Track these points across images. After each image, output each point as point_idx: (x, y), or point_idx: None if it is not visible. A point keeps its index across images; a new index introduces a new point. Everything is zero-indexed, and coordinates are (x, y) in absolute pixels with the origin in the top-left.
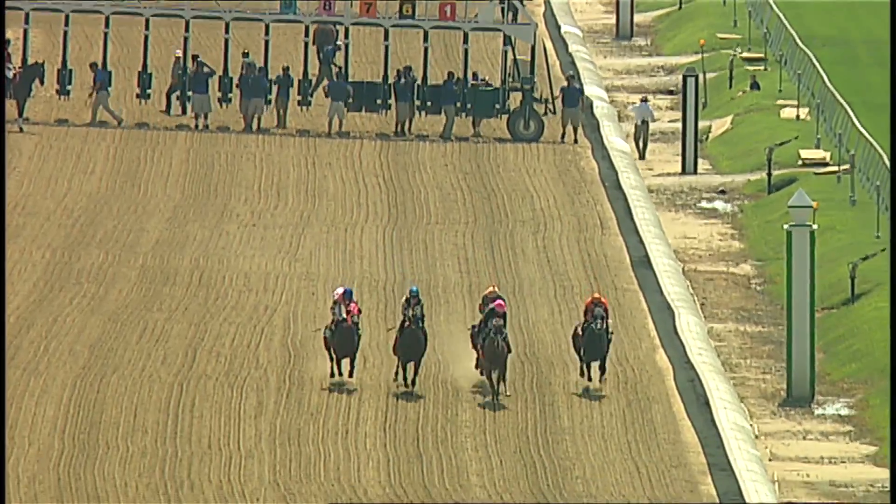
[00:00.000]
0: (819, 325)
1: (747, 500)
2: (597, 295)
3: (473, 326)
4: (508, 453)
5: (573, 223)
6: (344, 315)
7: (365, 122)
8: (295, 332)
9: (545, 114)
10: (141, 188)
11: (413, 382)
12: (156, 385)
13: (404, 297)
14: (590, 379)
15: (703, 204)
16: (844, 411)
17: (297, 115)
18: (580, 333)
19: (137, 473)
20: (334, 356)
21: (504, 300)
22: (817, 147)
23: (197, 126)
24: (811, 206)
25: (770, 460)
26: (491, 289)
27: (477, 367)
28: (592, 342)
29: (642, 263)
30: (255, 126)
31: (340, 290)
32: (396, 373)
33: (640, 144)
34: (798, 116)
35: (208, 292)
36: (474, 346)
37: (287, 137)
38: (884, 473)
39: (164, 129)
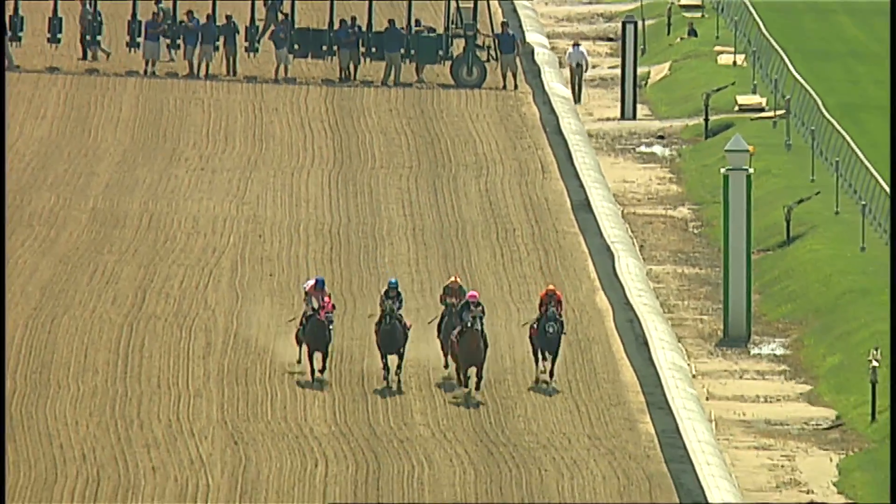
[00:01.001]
0: (755, 267)
1: (684, 438)
2: (551, 287)
3: (444, 317)
4: (451, 392)
5: (515, 167)
6: (316, 307)
7: (311, 68)
8: (243, 274)
9: (487, 60)
10: (91, 133)
11: (398, 374)
12: (106, 326)
13: (383, 290)
14: (552, 375)
15: (642, 148)
16: (780, 351)
17: (244, 61)
18: (534, 331)
19: (88, 412)
20: (305, 350)
21: (465, 290)
22: (754, 93)
23: (146, 72)
24: (748, 151)
25: (707, 399)
26: (453, 279)
27: (447, 365)
28: (544, 342)
29: (583, 207)
30: (203, 72)
31: (312, 282)
32: (384, 366)
33: (576, 88)
34: (735, 63)
35: (157, 235)
36: (440, 338)
37: (234, 83)
38: (818, 412)
39: (113, 76)
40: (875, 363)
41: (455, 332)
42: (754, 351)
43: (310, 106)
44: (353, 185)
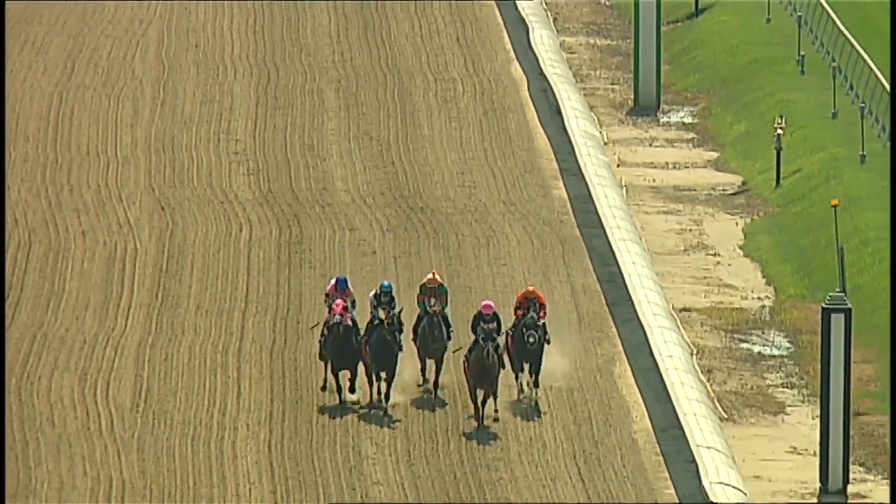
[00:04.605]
0: (665, 38)
1: (596, 203)
2: (531, 288)
3: (419, 320)
4: (371, 159)
5: None
6: (339, 314)
7: None
8: (169, 45)
9: None
10: None
11: (387, 398)
12: (36, 95)
13: (373, 293)
14: (536, 385)
15: None
16: (688, 119)
17: None
18: (510, 340)
19: (20, 179)
20: (329, 366)
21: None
22: None
23: None
24: None
25: (618, 166)
26: (431, 275)
27: (424, 380)
28: (524, 353)
29: None
30: None
31: (333, 281)
32: (370, 383)
33: None
34: None
35: (86, 6)
36: (416, 344)
37: None
38: (724, 178)
39: None
40: (780, 131)
41: (466, 348)
42: (663, 119)
43: None
44: None
